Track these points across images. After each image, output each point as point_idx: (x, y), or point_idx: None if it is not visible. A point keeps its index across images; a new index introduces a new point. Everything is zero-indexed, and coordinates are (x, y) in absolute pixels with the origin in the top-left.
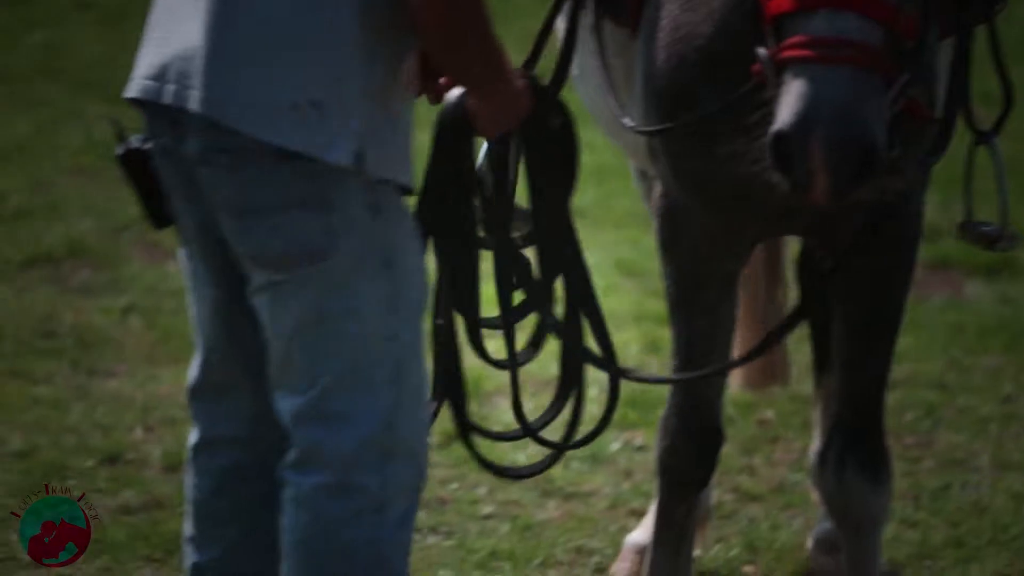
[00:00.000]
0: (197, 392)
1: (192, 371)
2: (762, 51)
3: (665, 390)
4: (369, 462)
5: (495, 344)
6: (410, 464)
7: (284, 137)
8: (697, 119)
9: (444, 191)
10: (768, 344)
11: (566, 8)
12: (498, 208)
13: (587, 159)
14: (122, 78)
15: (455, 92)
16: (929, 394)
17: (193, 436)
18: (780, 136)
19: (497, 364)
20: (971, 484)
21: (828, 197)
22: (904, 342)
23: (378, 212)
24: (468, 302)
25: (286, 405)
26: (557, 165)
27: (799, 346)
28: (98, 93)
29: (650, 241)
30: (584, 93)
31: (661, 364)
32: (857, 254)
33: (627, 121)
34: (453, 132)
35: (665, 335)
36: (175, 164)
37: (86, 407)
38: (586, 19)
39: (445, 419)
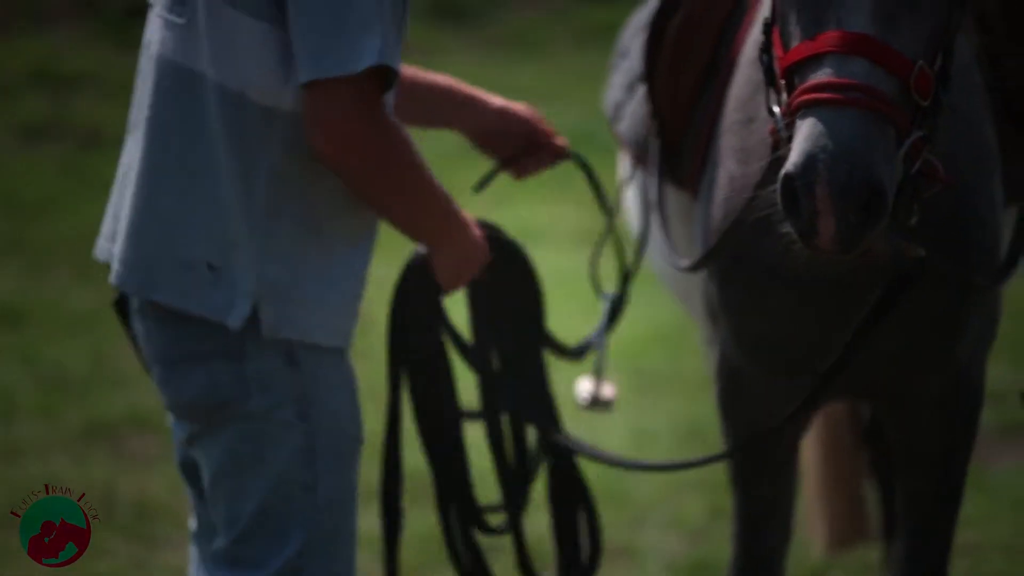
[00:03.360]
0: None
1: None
2: (775, 108)
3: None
4: None
5: None
6: None
7: (183, 299)
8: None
9: (407, 342)
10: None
11: (636, 183)
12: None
13: (654, 321)
14: None
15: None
16: (999, 560)
17: None
18: (786, 178)
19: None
20: None
21: (834, 243)
22: (971, 507)
23: (295, 363)
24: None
25: (214, 545)
26: (521, 311)
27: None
28: None
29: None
30: (653, 260)
31: (727, 531)
32: (918, 424)
33: (682, 261)
34: (414, 283)
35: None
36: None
37: None
38: (651, 189)
39: None
